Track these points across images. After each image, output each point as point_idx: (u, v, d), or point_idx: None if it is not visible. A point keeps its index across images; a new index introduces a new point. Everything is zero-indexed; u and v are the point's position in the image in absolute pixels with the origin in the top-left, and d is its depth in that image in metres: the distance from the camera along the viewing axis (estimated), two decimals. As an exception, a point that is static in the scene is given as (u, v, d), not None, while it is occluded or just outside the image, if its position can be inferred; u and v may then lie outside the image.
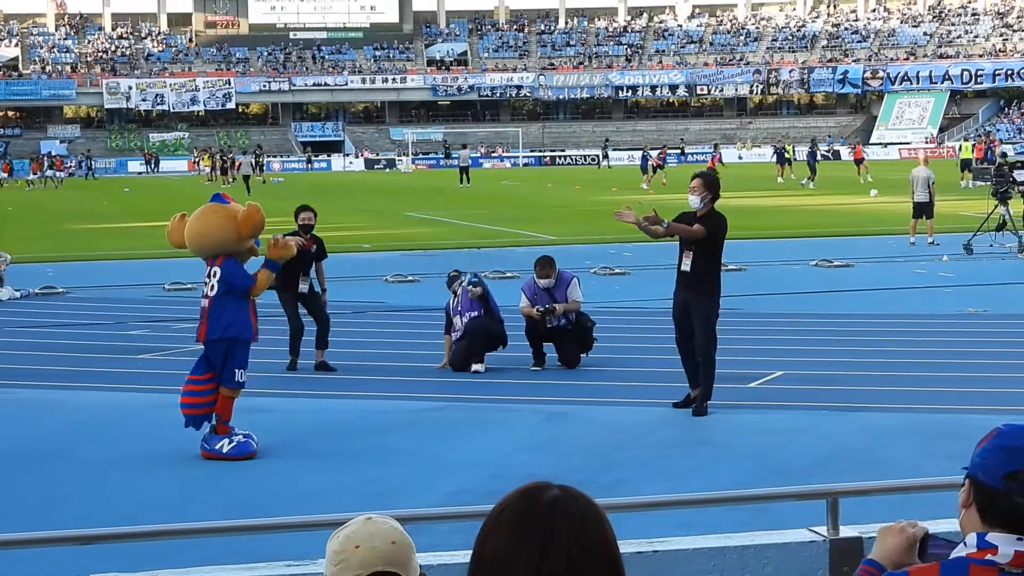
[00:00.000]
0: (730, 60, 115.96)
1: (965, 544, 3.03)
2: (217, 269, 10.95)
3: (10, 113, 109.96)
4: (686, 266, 12.45)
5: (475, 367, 14.72)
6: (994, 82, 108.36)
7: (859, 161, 63.69)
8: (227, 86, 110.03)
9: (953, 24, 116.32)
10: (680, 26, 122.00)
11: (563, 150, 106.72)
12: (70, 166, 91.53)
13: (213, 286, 10.96)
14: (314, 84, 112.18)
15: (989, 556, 2.95)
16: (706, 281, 12.37)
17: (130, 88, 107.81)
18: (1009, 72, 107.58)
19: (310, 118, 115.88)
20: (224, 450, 10.66)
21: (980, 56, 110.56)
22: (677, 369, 12.91)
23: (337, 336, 17.63)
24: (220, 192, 11.69)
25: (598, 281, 22.63)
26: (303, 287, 14.92)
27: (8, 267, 23.17)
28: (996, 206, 27.22)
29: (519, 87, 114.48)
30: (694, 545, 5.67)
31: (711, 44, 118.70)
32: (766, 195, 50.58)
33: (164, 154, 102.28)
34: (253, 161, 72.53)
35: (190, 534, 6.31)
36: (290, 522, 6.40)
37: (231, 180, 70.75)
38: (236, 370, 10.90)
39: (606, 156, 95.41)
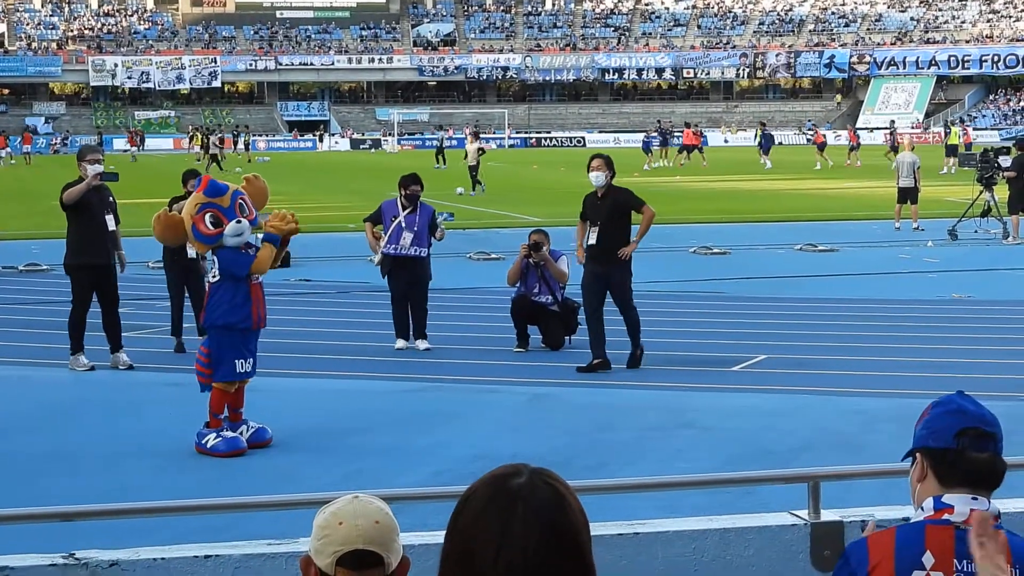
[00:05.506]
0: (717, 43, 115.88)
1: (923, 509, 3.10)
2: (214, 257, 10.49)
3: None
4: (593, 239, 13.54)
5: (420, 345, 14.77)
6: (980, 68, 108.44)
7: (821, 146, 62.15)
8: (213, 64, 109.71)
9: (940, 9, 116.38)
10: (667, 9, 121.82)
11: (549, 132, 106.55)
12: (55, 143, 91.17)
13: (215, 273, 10.50)
14: (300, 63, 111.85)
15: (946, 516, 3.04)
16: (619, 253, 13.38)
17: (116, 66, 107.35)
18: (996, 58, 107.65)
19: (296, 97, 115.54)
20: (209, 445, 10.28)
21: (967, 42, 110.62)
22: (661, 352, 12.91)
23: (320, 316, 17.61)
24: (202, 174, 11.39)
25: (583, 263, 22.60)
26: (191, 252, 14.54)
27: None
28: (981, 192, 27.25)
29: (506, 68, 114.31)
30: (676, 527, 5.65)
31: (698, 27, 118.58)
32: (751, 179, 50.58)
33: (149, 132, 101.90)
34: (226, 141, 72.06)
35: (167, 512, 6.28)
36: (269, 501, 6.38)
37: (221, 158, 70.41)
38: (235, 360, 10.41)
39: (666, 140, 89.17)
